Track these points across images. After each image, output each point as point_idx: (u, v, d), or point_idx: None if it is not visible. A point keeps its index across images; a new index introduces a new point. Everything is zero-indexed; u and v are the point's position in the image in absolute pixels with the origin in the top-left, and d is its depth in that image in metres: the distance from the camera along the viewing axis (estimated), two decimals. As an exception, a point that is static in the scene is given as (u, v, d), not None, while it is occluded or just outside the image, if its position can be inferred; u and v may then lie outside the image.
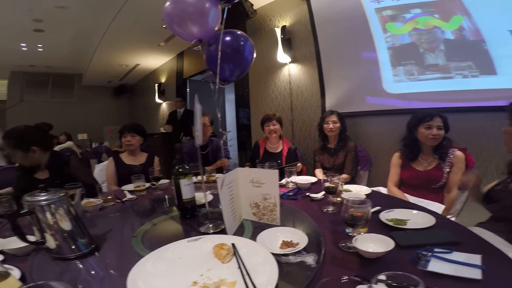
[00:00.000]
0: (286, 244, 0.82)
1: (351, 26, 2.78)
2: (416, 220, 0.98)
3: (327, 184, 1.21)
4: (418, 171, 1.66)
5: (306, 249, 0.78)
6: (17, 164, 1.61)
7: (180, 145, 1.11)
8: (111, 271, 0.78)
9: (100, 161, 4.37)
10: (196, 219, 1.12)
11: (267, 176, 0.95)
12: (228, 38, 1.51)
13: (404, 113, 2.24)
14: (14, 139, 1.49)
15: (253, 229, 0.99)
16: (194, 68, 5.92)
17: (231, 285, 0.61)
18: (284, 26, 3.31)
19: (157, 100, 7.04)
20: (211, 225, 0.99)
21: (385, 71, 2.62)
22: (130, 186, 1.65)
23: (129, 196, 1.53)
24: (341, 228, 0.90)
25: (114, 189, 1.87)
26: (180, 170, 1.06)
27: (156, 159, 2.17)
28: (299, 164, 2.27)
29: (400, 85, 2.56)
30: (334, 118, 2.32)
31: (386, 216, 1.01)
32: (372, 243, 0.76)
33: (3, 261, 0.80)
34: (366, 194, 1.38)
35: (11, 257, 0.84)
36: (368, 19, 2.65)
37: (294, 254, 0.76)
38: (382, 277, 0.49)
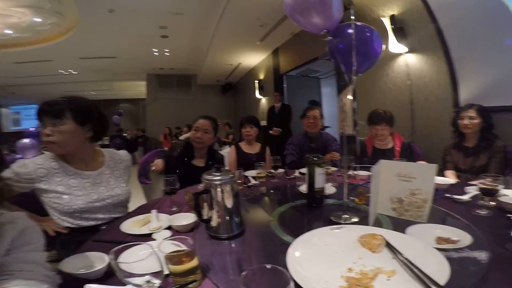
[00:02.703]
0: (444, 240, 0.80)
1: (481, 6, 2.23)
2: None
3: (483, 186, 1.06)
4: None
5: (469, 247, 0.76)
6: (178, 151, 1.94)
7: (315, 134, 1.14)
8: (260, 252, 0.86)
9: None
10: (323, 209, 1.15)
11: (421, 171, 0.89)
12: (351, 30, 1.44)
13: None
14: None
15: (391, 223, 0.97)
16: (290, 63, 6.01)
17: (390, 273, 0.62)
18: (393, 15, 3.01)
19: (257, 95, 7.52)
20: (347, 216, 1.00)
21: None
22: (252, 172, 1.83)
23: (253, 181, 1.69)
24: (503, 231, 0.87)
25: (235, 174, 2.11)
26: (315, 159, 1.10)
27: (268, 150, 2.33)
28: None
29: None
30: (472, 113, 1.90)
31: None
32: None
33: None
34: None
35: (174, 233, 0.95)
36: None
37: (456, 250, 0.74)
38: None
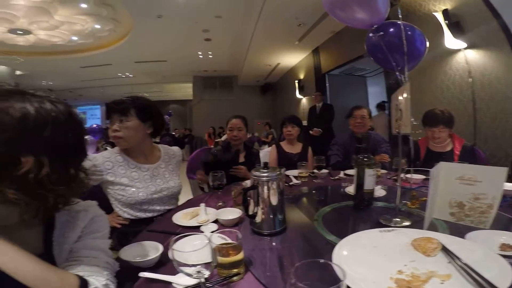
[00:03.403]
0: (510, 247, 0.74)
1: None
2: None
3: None
4: None
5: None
6: (218, 147, 2.05)
7: (363, 134, 1.11)
8: (302, 250, 0.86)
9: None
10: (371, 211, 1.11)
11: (488, 174, 0.81)
12: (393, 29, 1.35)
13: None
14: None
15: (448, 228, 0.91)
16: (332, 62, 5.87)
17: (445, 277, 0.60)
18: (446, 9, 2.79)
19: (298, 95, 7.45)
20: (398, 219, 0.96)
21: None
22: (293, 172, 1.83)
23: (294, 181, 1.69)
24: None
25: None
26: (365, 159, 1.07)
27: (310, 150, 2.30)
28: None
29: None
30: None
31: None
32: None
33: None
34: None
35: (220, 227, 0.99)
36: None
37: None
38: None
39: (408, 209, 1.12)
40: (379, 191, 1.31)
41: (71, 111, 0.58)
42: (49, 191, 0.53)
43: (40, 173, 0.51)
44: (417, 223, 0.96)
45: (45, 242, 0.63)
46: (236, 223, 1.05)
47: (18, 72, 8.41)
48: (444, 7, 2.84)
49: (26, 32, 5.58)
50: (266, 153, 2.52)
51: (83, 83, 10.47)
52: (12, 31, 5.46)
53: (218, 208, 1.21)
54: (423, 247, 0.71)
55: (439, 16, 2.83)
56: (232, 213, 1.10)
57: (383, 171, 1.83)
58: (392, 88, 3.91)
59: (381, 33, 1.25)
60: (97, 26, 5.66)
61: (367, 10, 1.32)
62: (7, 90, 0.53)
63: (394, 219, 0.97)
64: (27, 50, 6.41)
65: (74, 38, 6.14)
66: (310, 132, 4.64)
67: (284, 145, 2.34)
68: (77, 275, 0.56)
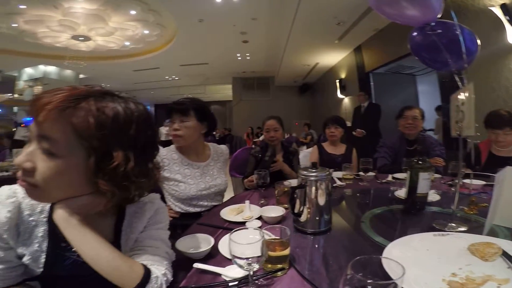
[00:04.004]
0: None
1: None
2: None
3: None
4: None
5: None
6: (257, 148, 2.08)
7: (415, 136, 1.05)
8: (348, 250, 0.85)
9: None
10: (423, 215, 1.07)
11: None
12: (440, 29, 1.24)
13: None
14: None
15: (510, 235, 0.84)
16: (376, 61, 5.58)
17: (502, 282, 0.58)
18: (504, 4, 2.58)
19: (339, 95, 7.20)
20: (453, 224, 0.91)
21: None
22: (337, 173, 1.79)
23: (338, 182, 1.66)
24: None
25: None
26: (420, 162, 1.02)
27: (355, 151, 2.22)
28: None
29: None
30: None
31: None
32: None
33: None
34: None
35: (263, 223, 1.01)
36: None
37: None
38: None
39: (465, 215, 1.06)
40: (433, 196, 1.25)
41: (148, 111, 0.64)
42: (132, 183, 0.58)
43: (127, 167, 0.56)
44: (474, 229, 0.90)
45: (115, 231, 0.68)
46: (279, 220, 1.07)
47: (81, 76, 9.51)
48: (502, 1, 2.63)
49: (87, 38, 6.27)
50: (307, 154, 2.50)
51: (135, 86, 11.44)
52: (75, 37, 6.18)
53: (261, 206, 1.25)
54: (481, 251, 0.68)
55: (497, 11, 2.65)
56: (275, 211, 1.13)
57: (437, 175, 1.71)
58: (447, 87, 3.58)
59: (439, 31, 1.17)
60: (146, 32, 6.15)
61: (420, 6, 1.24)
62: (100, 91, 0.58)
63: (449, 224, 0.92)
64: (88, 55, 7.21)
65: (127, 43, 6.75)
66: (353, 133, 4.46)
67: (326, 146, 2.29)
68: (142, 264, 0.60)
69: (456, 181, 1.47)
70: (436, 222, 0.95)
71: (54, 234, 0.61)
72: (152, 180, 0.64)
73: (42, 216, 0.62)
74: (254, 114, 9.52)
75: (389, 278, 0.46)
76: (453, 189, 1.43)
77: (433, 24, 1.17)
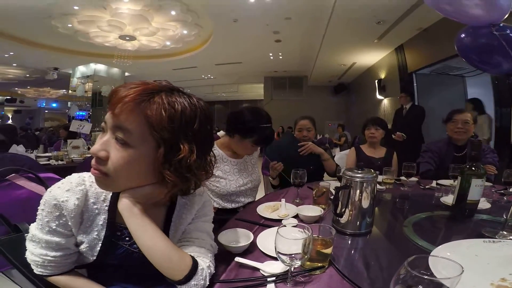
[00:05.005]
0: None
1: None
2: None
3: None
4: None
5: None
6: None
7: (477, 141, 0.98)
8: (389, 252, 0.83)
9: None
10: (471, 223, 1.02)
11: None
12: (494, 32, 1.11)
13: None
14: None
15: None
16: (420, 61, 5.25)
17: None
18: None
19: (378, 96, 6.87)
20: (505, 233, 0.86)
21: None
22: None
23: (378, 186, 1.59)
24: None
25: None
26: (474, 168, 0.95)
27: (395, 155, 2.11)
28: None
29: None
30: None
31: None
32: None
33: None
34: None
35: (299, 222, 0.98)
36: None
37: None
38: None
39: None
40: (483, 203, 1.17)
41: (207, 106, 0.64)
42: (193, 175, 0.60)
43: (191, 159, 0.58)
44: (527, 239, 0.83)
45: (165, 222, 0.70)
46: (316, 220, 1.06)
47: (126, 74, 10.21)
48: None
49: (132, 38, 6.70)
50: (343, 156, 2.42)
51: (175, 84, 12.00)
52: (122, 37, 6.63)
53: (297, 205, 1.24)
54: None
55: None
56: (313, 211, 1.12)
57: (488, 183, 1.57)
58: (501, 90, 3.22)
59: (508, 31, 1.06)
60: (185, 32, 6.41)
61: (485, 5, 1.14)
62: (169, 87, 0.61)
63: (500, 232, 0.87)
64: (133, 54, 7.71)
65: (168, 43, 7.09)
66: (393, 136, 4.21)
67: (365, 148, 2.20)
68: (191, 256, 0.61)
69: (511, 190, 1.36)
70: (486, 230, 0.90)
71: (112, 223, 0.64)
72: (209, 173, 0.66)
73: (105, 204, 0.65)
74: (285, 113, 9.45)
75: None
76: (505, 198, 1.36)
77: (501, 25, 1.08)
